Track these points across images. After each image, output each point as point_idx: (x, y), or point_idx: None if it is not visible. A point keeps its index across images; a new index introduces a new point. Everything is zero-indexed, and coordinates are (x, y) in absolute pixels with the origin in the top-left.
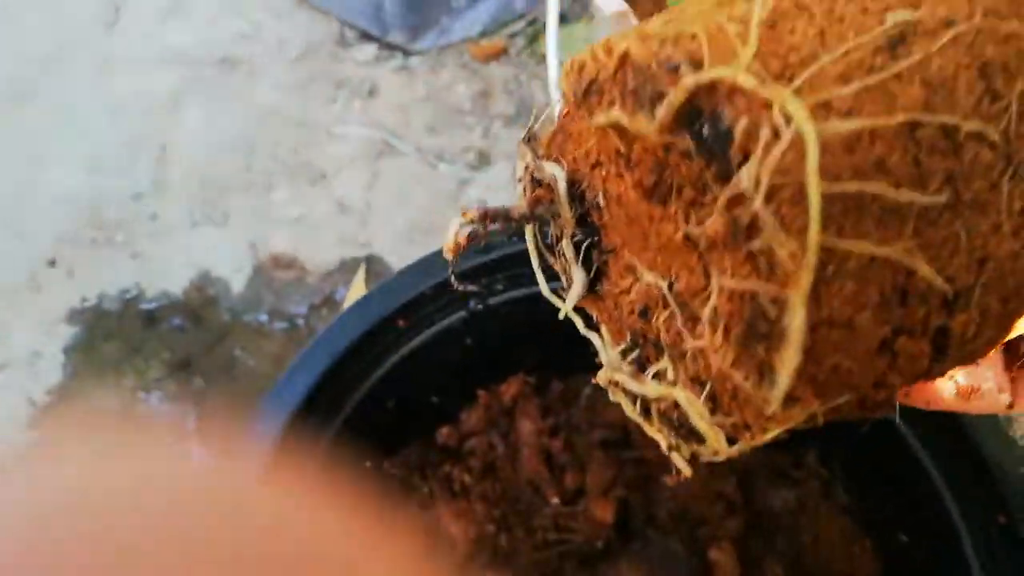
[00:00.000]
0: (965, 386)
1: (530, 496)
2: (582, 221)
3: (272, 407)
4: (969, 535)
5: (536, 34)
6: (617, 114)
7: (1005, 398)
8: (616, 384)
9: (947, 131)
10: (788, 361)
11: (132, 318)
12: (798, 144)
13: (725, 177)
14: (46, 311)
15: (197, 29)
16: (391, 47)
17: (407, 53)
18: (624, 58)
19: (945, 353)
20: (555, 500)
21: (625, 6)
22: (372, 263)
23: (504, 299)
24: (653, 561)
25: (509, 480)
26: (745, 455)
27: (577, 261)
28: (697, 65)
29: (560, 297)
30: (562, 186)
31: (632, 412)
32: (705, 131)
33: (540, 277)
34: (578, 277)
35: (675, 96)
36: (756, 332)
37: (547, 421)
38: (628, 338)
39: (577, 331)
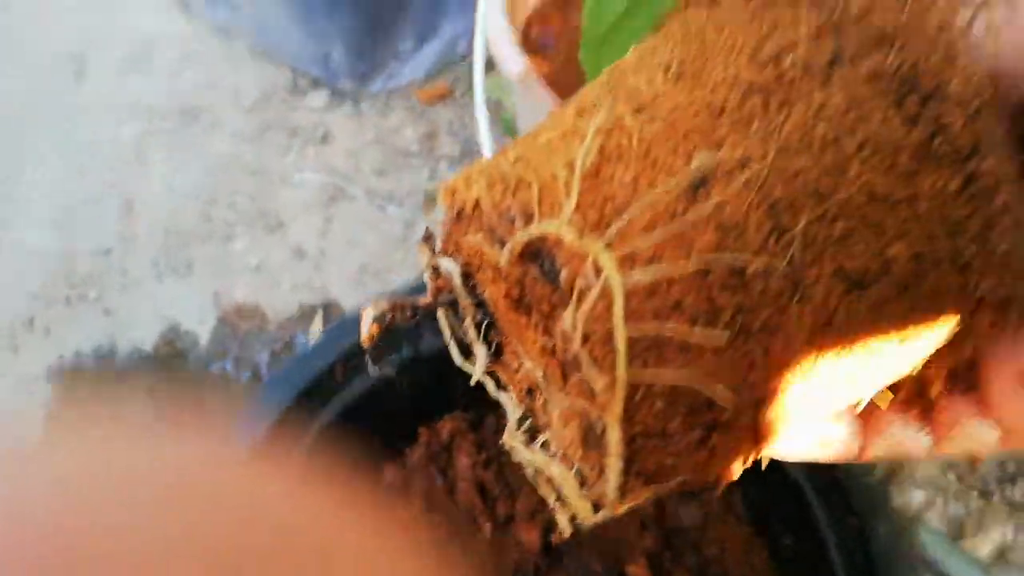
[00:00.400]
0: (820, 439)
1: (468, 526)
2: (482, 304)
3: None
4: (832, 534)
5: None
6: (479, 240)
7: (855, 447)
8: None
9: (736, 271)
10: (613, 466)
11: (107, 373)
12: (607, 294)
13: (564, 306)
14: (25, 370)
15: (158, 80)
16: (341, 93)
17: (357, 98)
18: (476, 202)
19: (763, 438)
20: (488, 527)
21: (527, 66)
22: (328, 308)
23: (432, 345)
24: None
25: (449, 512)
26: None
27: (479, 339)
28: (529, 218)
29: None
30: (457, 280)
31: (529, 474)
32: (546, 267)
33: (454, 350)
34: (480, 354)
35: (513, 244)
36: (589, 441)
37: (481, 455)
38: (523, 409)
39: None
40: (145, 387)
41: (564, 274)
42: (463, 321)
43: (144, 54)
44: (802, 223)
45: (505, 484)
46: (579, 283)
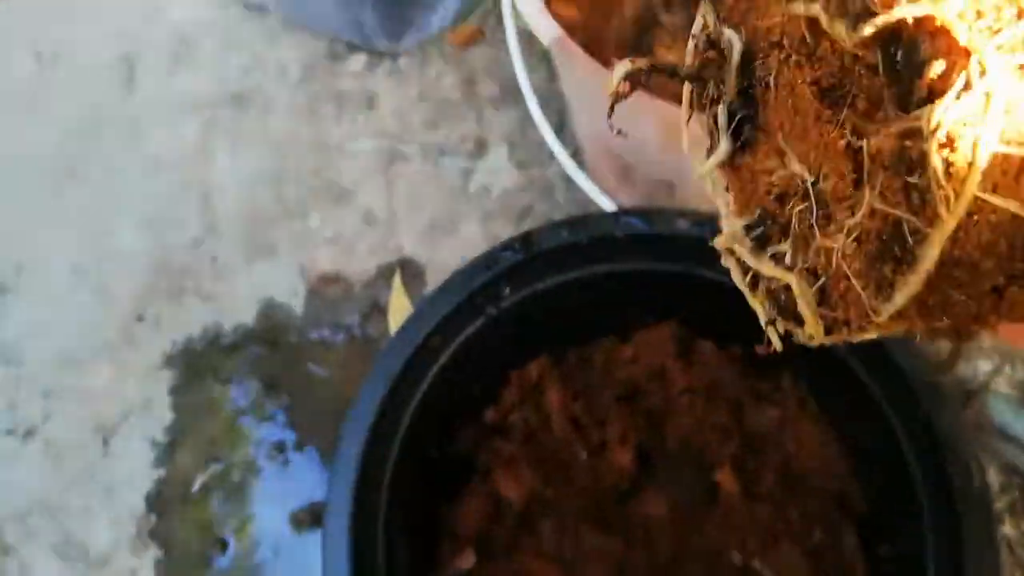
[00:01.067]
0: None
1: (565, 454)
2: (744, 93)
3: (351, 429)
4: (902, 427)
5: None
6: (817, 11)
7: None
8: (732, 252)
9: None
10: (910, 285)
11: (217, 353)
12: (985, 100)
13: (905, 104)
14: (146, 361)
15: (204, 71)
16: (379, 54)
17: (394, 56)
18: None
19: None
20: (584, 454)
21: (560, 33)
22: (405, 265)
23: (513, 301)
24: (671, 490)
25: (546, 443)
26: (736, 384)
27: (728, 129)
28: None
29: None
30: (736, 56)
31: (739, 280)
32: (899, 55)
33: (690, 121)
34: (724, 146)
35: (883, 20)
36: (888, 254)
37: (568, 388)
38: (756, 214)
39: (584, 312)
40: (253, 359)
41: (937, 67)
42: (714, 103)
43: (186, 48)
44: None
45: (593, 414)
46: (955, 82)
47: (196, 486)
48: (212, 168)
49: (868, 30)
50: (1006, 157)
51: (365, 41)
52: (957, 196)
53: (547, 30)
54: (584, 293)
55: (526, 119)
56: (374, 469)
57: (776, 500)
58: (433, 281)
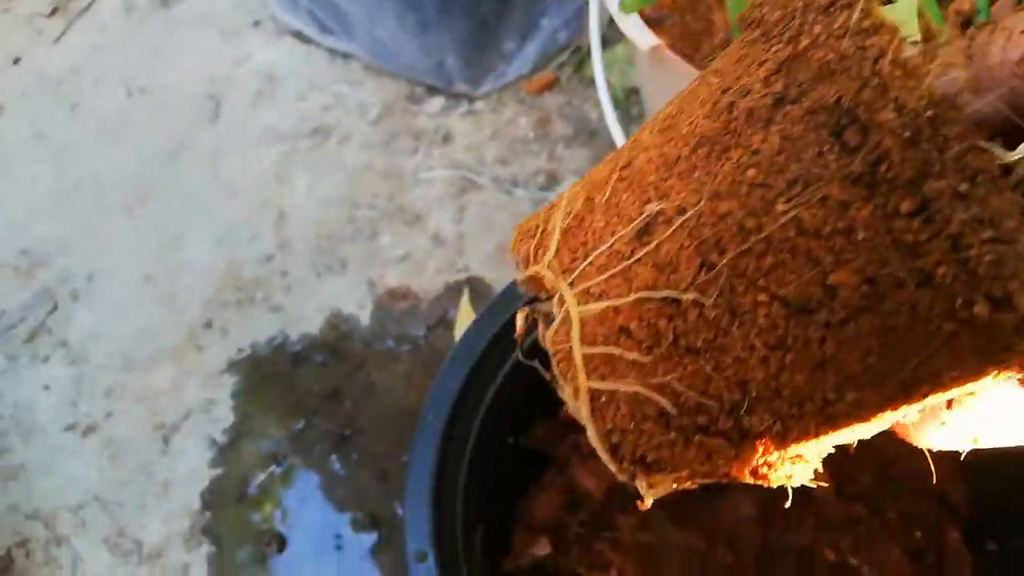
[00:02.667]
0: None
1: None
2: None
3: (433, 411)
4: None
5: (581, 61)
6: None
7: None
8: None
9: (671, 301)
10: (602, 456)
11: (282, 360)
12: (568, 321)
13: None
14: (211, 365)
15: (287, 108)
16: (456, 96)
17: (471, 99)
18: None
19: (750, 440)
20: None
21: (658, 41)
22: (473, 283)
23: None
24: (760, 488)
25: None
26: None
27: None
28: (527, 262)
29: None
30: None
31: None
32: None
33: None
34: None
35: (521, 280)
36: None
37: None
38: None
39: None
40: (317, 367)
41: (544, 306)
42: None
43: (271, 87)
44: (728, 258)
45: None
46: (554, 312)
47: (253, 486)
48: (288, 192)
49: (521, 285)
50: (596, 355)
51: (445, 85)
52: (576, 391)
53: (646, 40)
54: None
55: (597, 157)
56: (456, 442)
57: (872, 500)
58: None
